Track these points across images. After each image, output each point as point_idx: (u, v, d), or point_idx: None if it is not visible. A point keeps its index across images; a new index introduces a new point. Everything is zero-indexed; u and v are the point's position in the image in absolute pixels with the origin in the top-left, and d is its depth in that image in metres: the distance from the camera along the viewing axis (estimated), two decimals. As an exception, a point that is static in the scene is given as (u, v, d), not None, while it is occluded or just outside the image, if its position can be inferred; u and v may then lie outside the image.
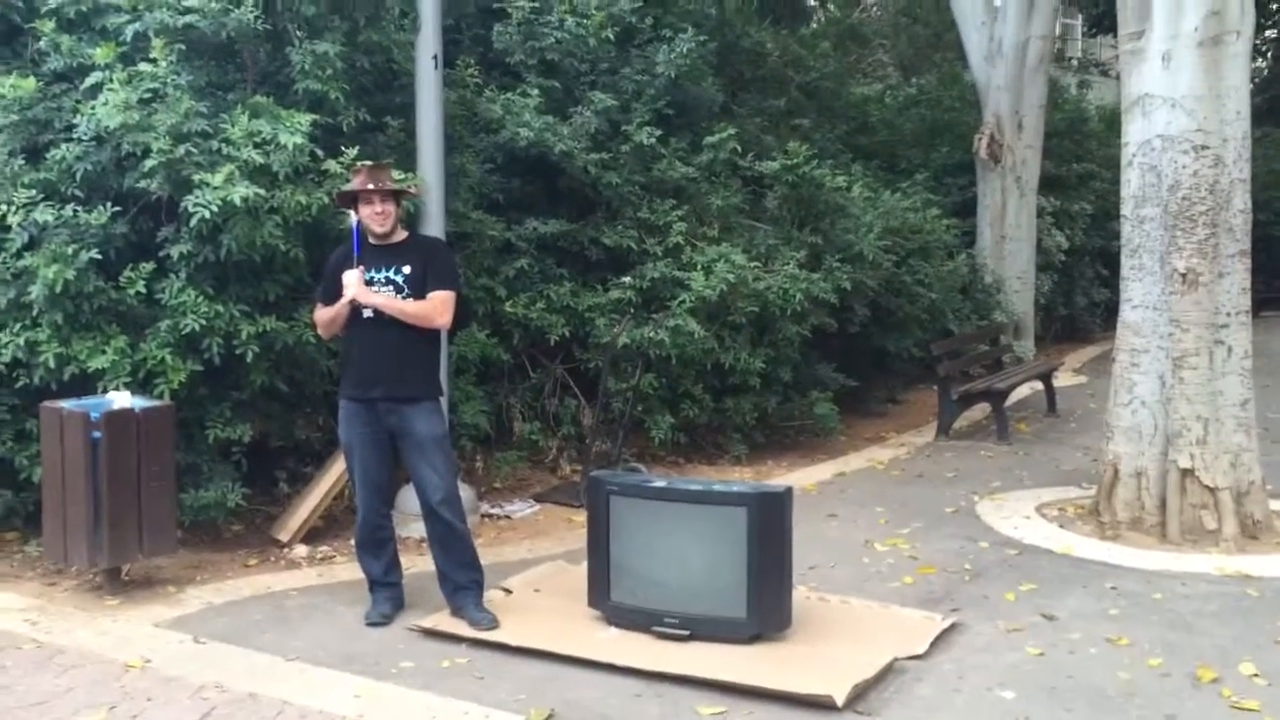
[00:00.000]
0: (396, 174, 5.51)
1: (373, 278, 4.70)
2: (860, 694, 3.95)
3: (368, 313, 4.68)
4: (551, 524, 6.57)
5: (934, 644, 4.45)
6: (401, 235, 4.86)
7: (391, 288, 4.71)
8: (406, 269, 4.72)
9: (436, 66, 6.18)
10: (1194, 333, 5.98)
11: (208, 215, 5.36)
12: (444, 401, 6.30)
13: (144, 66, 5.73)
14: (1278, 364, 13.17)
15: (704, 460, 8.07)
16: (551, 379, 7.80)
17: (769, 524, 4.40)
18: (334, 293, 4.74)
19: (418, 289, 4.71)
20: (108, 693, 4.04)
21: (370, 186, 4.69)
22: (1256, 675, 4.15)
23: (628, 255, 7.89)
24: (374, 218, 4.72)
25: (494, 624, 4.59)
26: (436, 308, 4.73)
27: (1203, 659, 4.31)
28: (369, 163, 5.15)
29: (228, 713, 3.89)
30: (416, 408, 4.73)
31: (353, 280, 4.65)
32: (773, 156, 8.99)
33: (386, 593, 4.89)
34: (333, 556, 5.82)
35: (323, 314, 4.85)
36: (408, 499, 6.24)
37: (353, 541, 6.04)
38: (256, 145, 5.62)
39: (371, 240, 4.77)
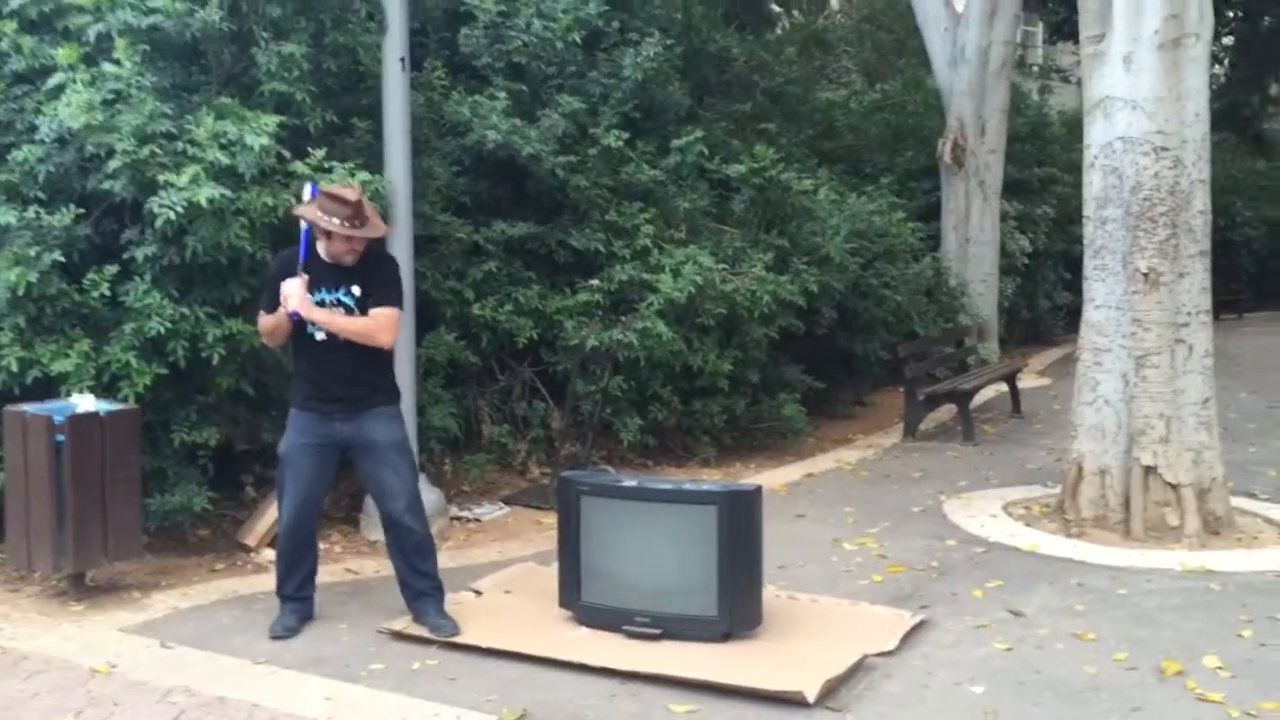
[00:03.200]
0: (370, 198, 5.44)
1: (323, 299, 4.51)
2: (831, 690, 3.97)
3: (317, 330, 4.52)
4: (521, 526, 6.56)
5: (903, 641, 4.48)
6: None
7: (341, 309, 4.54)
8: (356, 289, 4.55)
9: (404, 69, 6.16)
10: (1155, 332, 6.07)
11: (173, 217, 5.31)
12: (405, 405, 6.29)
13: (108, 67, 5.67)
14: (1236, 365, 13.38)
15: (673, 462, 8.09)
16: (520, 382, 7.78)
17: (739, 523, 4.41)
18: (276, 300, 4.53)
19: (366, 308, 4.56)
20: (73, 698, 3.99)
21: (351, 232, 4.45)
22: (1220, 668, 4.21)
23: (596, 258, 7.89)
24: (345, 253, 4.51)
25: (455, 630, 4.53)
26: (381, 325, 4.53)
27: (1167, 653, 4.36)
28: (349, 187, 4.86)
29: (196, 716, 3.85)
30: (375, 414, 4.61)
31: (294, 291, 4.43)
32: (740, 160, 9.02)
33: (295, 606, 4.73)
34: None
35: (265, 322, 4.64)
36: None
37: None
38: (222, 146, 5.58)
39: (325, 256, 4.56)
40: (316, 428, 4.60)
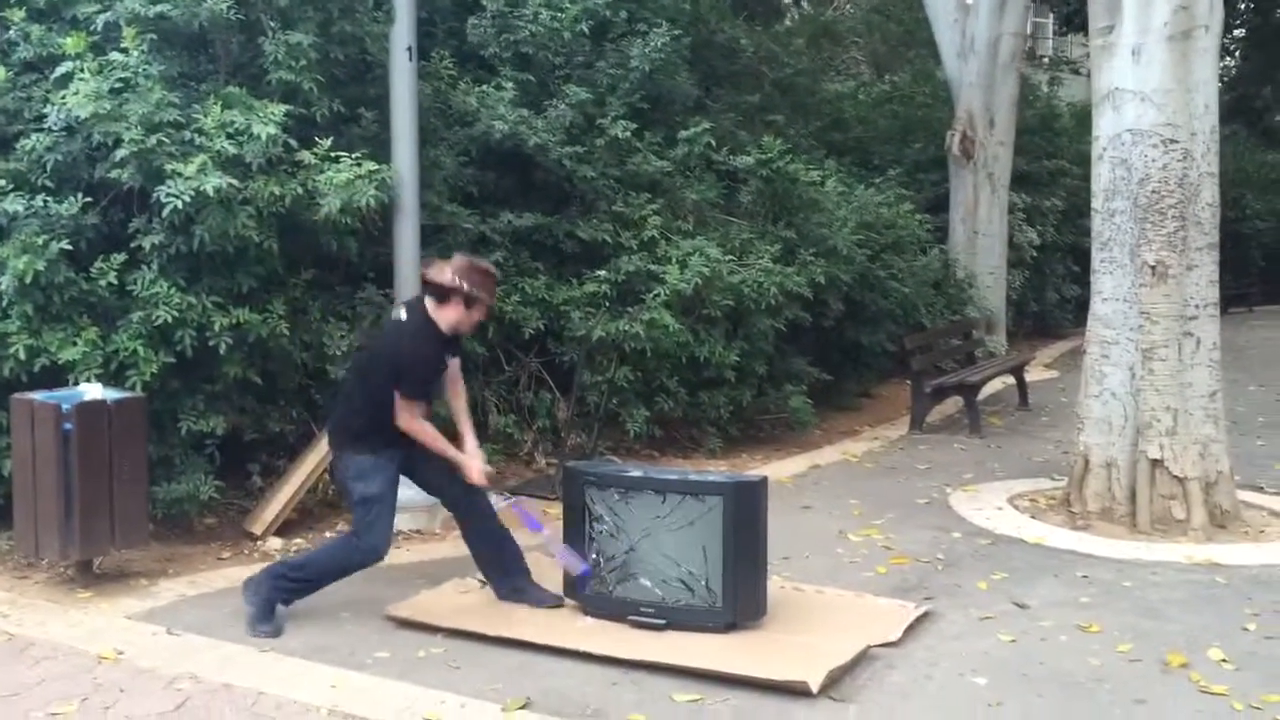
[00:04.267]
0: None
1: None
2: (834, 680, 3.98)
3: None
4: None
5: (907, 632, 4.48)
6: None
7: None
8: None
9: (411, 58, 6.16)
10: (1163, 325, 6.05)
11: (180, 206, 5.33)
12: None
13: (115, 56, 5.68)
14: (1245, 359, 13.34)
15: (679, 453, 8.09)
16: (526, 372, 7.79)
17: (745, 513, 4.42)
18: (428, 384, 4.65)
19: None
20: (80, 685, 4.01)
21: (489, 299, 4.65)
22: (1225, 660, 4.20)
23: (603, 249, 7.89)
24: (472, 326, 4.71)
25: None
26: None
27: (1172, 645, 4.36)
28: (489, 267, 4.88)
29: (202, 703, 3.87)
30: None
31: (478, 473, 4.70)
32: (747, 151, 9.02)
33: None
34: (306, 550, 5.79)
35: (429, 433, 4.64)
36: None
37: (326, 534, 6.06)
38: (229, 136, 5.60)
39: (447, 328, 4.62)
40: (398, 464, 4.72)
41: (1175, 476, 6.01)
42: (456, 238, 7.27)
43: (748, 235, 8.58)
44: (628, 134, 8.04)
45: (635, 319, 7.43)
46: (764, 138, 9.20)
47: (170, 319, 5.43)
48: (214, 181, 5.33)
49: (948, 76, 13.16)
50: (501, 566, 4.84)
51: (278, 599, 4.59)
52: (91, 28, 5.88)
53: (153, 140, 5.45)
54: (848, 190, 10.33)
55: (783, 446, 8.49)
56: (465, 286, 4.48)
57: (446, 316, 4.56)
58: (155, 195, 5.43)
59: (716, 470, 7.29)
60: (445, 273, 4.53)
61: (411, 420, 4.53)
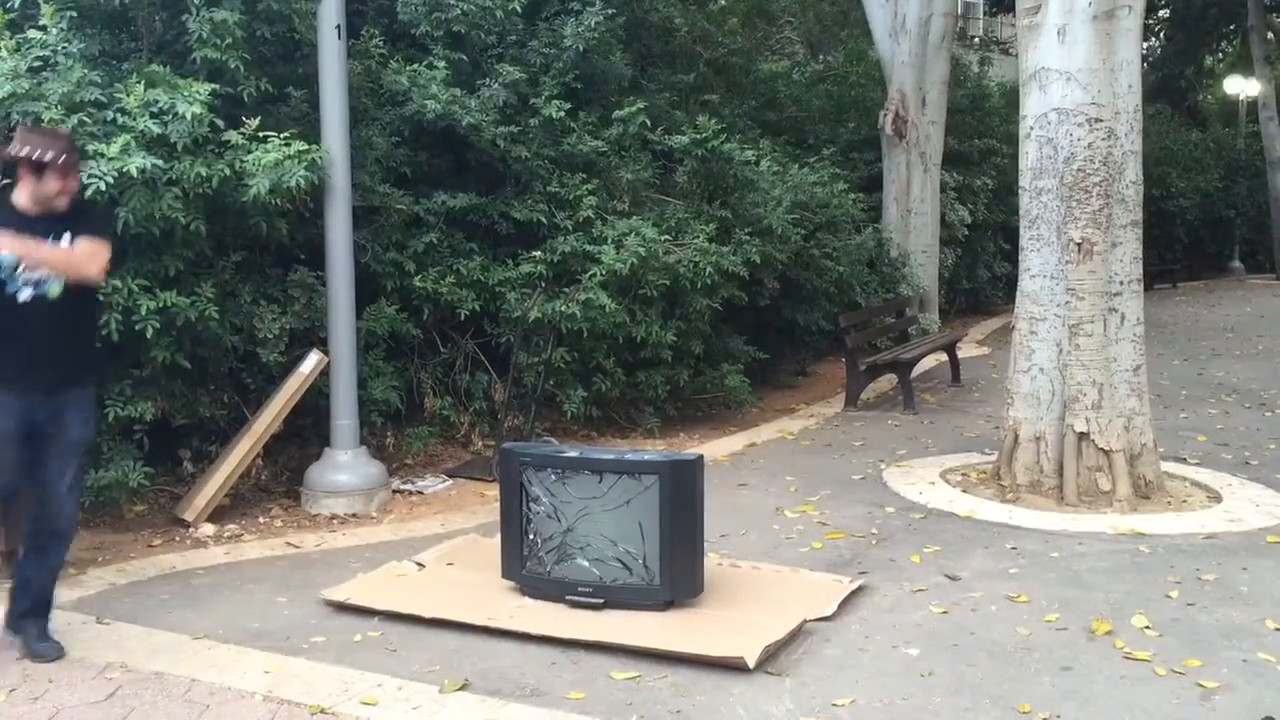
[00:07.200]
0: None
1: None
2: (771, 655, 4.03)
3: (23, 295, 4.00)
4: (464, 498, 6.55)
5: (842, 606, 4.54)
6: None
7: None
8: (70, 239, 4.09)
9: (340, 37, 6.07)
10: (1089, 301, 6.17)
11: (103, 187, 5.21)
12: (345, 379, 6.21)
13: (33, 34, 5.55)
14: (1169, 334, 13.68)
15: (617, 433, 8.11)
16: (462, 354, 7.75)
17: (681, 492, 4.44)
18: None
19: None
20: (8, 675, 3.93)
21: (58, 156, 4.01)
22: (1148, 627, 4.32)
23: (538, 229, 7.86)
24: (58, 193, 4.06)
25: (60, 654, 4.09)
26: (88, 255, 4.06)
27: (1097, 613, 4.47)
28: (55, 130, 4.39)
29: (133, 692, 3.82)
30: (73, 398, 4.13)
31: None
32: (682, 131, 9.02)
33: None
34: (241, 535, 5.72)
35: None
36: (316, 475, 6.19)
37: (261, 519, 6.00)
38: (153, 115, 5.49)
39: (27, 204, 4.07)
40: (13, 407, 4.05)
41: (1101, 449, 6.14)
42: (389, 219, 7.20)
43: (683, 215, 8.59)
44: (562, 114, 8.01)
45: (571, 299, 7.42)
46: (699, 117, 9.21)
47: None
48: (138, 162, 5.22)
49: (880, 56, 13.27)
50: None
51: None
52: (8, 4, 5.73)
53: (74, 120, 5.33)
54: (782, 170, 10.38)
55: (720, 425, 8.54)
56: (21, 151, 4.01)
57: (23, 194, 4.08)
58: (77, 176, 5.30)
59: (653, 450, 7.32)
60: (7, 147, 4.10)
61: None
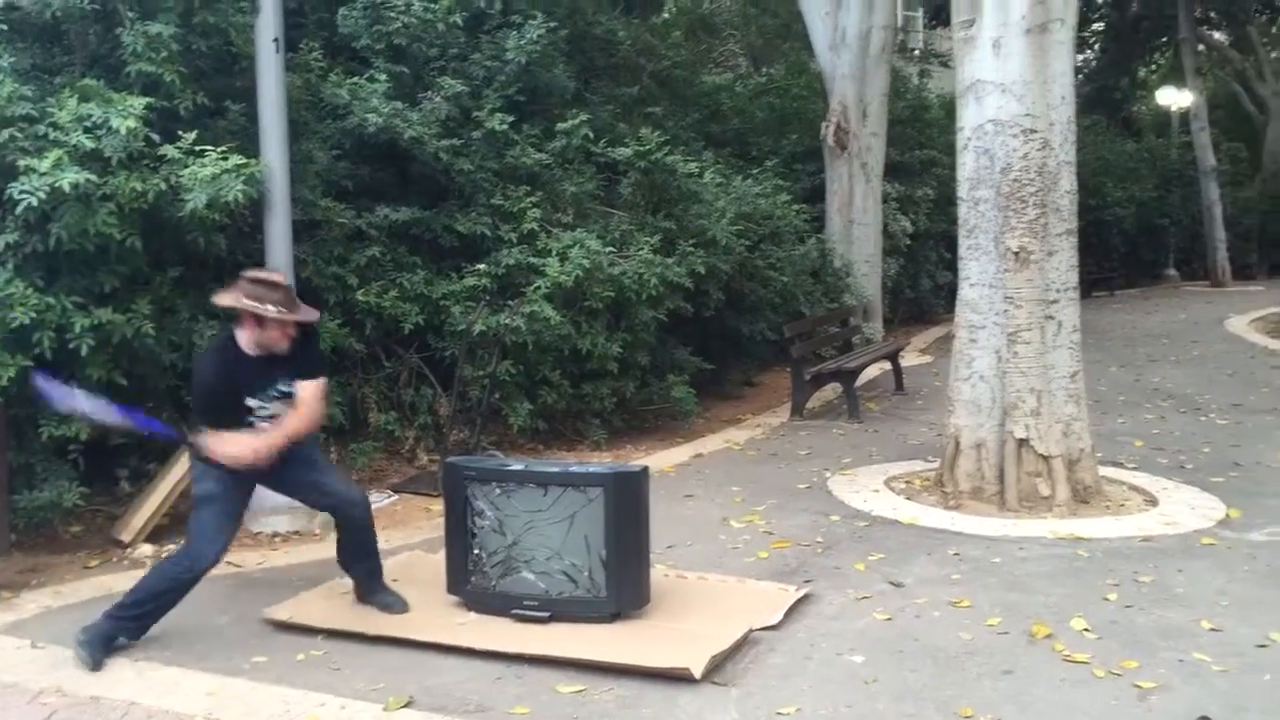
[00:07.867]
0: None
1: (263, 400, 4.33)
2: (717, 665, 4.03)
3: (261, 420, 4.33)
4: (409, 514, 6.50)
5: (788, 614, 4.56)
6: None
7: (279, 402, 4.36)
8: (289, 383, 4.38)
9: (278, 50, 6.02)
10: (1026, 309, 6.26)
11: (35, 203, 5.13)
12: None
13: (-39, 47, 5.44)
14: (1107, 341, 13.92)
15: (563, 446, 8.09)
16: (407, 368, 7.70)
17: (626, 503, 4.44)
18: (224, 411, 4.29)
19: None
20: (-64, 704, 3.84)
21: (287, 317, 4.26)
22: (1087, 630, 4.38)
23: (482, 242, 7.84)
24: (279, 340, 4.30)
25: None
26: (317, 402, 4.42)
27: (1037, 617, 4.53)
28: (275, 272, 4.64)
29: (70, 716, 3.74)
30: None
31: (244, 449, 4.21)
32: (626, 143, 9.05)
33: None
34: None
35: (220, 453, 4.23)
36: (261, 496, 6.09)
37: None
38: (86, 130, 5.40)
39: (249, 349, 4.32)
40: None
41: (1040, 455, 6.23)
42: (331, 232, 7.15)
43: (627, 227, 8.61)
44: (505, 127, 8.00)
45: (516, 312, 7.40)
46: (642, 130, 9.25)
47: (27, 320, 5.22)
48: (71, 177, 5.14)
49: (821, 69, 13.40)
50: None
51: (120, 634, 4.29)
52: (-65, 17, 5.61)
53: (4, 135, 5.24)
54: (726, 181, 10.45)
55: (667, 436, 8.56)
56: (245, 303, 4.24)
57: (245, 337, 4.32)
58: (8, 192, 5.21)
59: (599, 462, 7.32)
60: (229, 295, 4.33)
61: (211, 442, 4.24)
